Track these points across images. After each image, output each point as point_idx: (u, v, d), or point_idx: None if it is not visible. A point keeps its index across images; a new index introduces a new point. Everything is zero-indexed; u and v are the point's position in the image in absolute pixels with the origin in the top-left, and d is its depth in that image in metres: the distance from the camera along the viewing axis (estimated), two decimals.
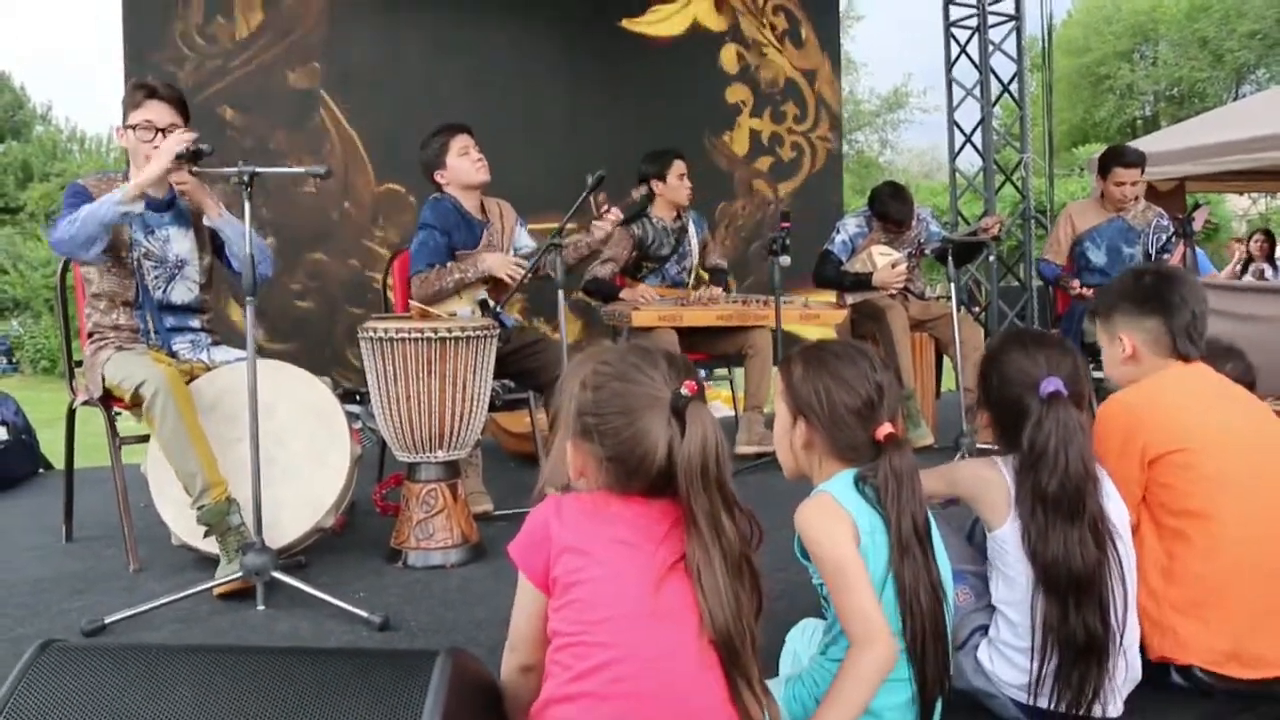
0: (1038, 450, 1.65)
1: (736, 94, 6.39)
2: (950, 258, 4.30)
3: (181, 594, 2.46)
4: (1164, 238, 4.75)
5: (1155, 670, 1.82)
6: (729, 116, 6.37)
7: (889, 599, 1.48)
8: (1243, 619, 1.80)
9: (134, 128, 2.93)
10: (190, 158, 2.73)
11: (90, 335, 3.07)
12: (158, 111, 2.93)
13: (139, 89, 2.95)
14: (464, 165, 3.63)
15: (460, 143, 3.63)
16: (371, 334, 2.87)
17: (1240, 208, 21.26)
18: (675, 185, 4.46)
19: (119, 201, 2.77)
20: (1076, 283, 4.78)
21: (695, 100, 6.21)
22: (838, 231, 4.86)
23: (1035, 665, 1.65)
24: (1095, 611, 1.61)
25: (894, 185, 4.84)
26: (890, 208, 4.69)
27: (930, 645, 1.48)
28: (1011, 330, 2.22)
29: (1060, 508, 1.63)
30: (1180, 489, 1.84)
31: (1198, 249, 9.77)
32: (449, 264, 3.58)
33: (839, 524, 1.49)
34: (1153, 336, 2.00)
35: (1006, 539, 1.70)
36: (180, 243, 3.07)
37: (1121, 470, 1.85)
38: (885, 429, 1.55)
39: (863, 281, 4.67)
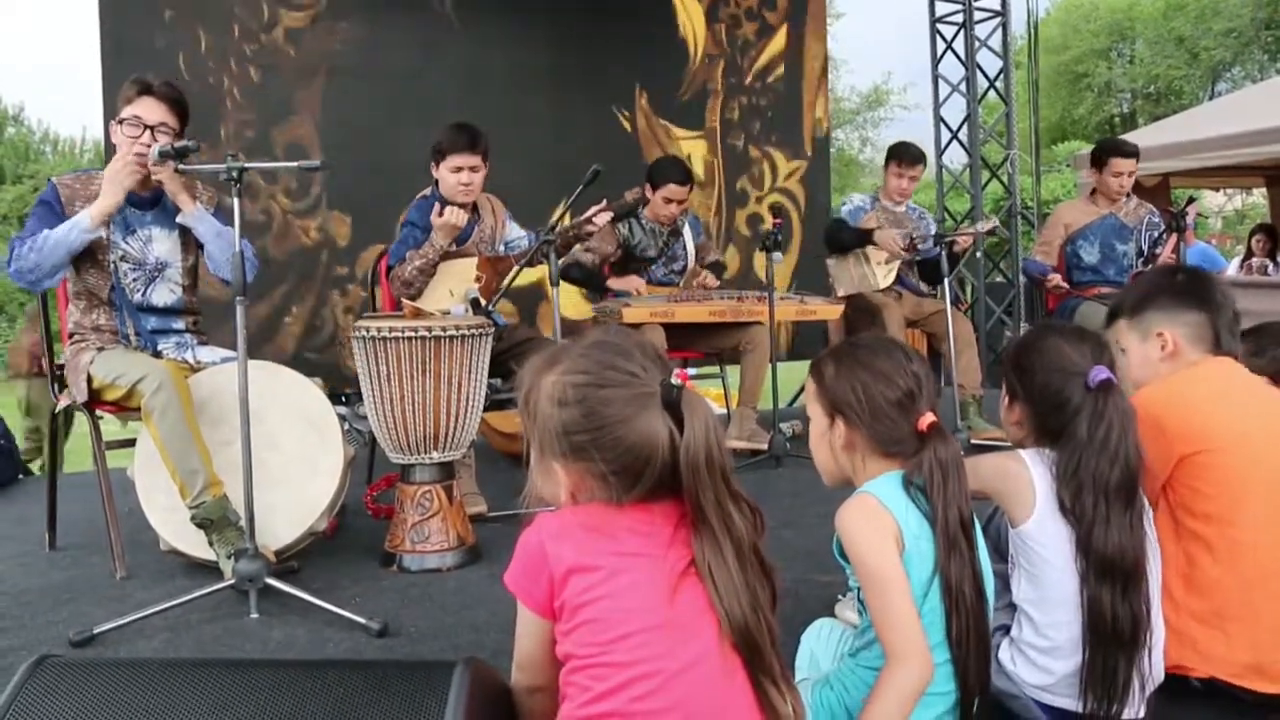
0: (1099, 441, 1.61)
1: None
2: (944, 256, 4.35)
3: (172, 602, 2.39)
4: (1155, 234, 4.75)
5: (1169, 678, 1.76)
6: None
7: (934, 603, 1.44)
8: (1265, 630, 1.74)
9: (123, 122, 2.85)
10: (176, 155, 2.66)
11: (71, 336, 3.00)
12: (148, 108, 2.85)
13: (134, 84, 2.87)
14: (450, 182, 3.54)
15: (457, 161, 3.51)
16: (364, 333, 2.80)
17: (1215, 204, 21.44)
18: (658, 203, 4.40)
19: (86, 229, 2.76)
20: (1056, 277, 4.78)
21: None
22: (845, 202, 5.08)
23: (1083, 668, 1.61)
24: (1141, 599, 1.59)
25: (911, 143, 4.99)
26: (904, 147, 4.86)
27: (974, 643, 1.44)
28: (1040, 325, 2.16)
29: (1120, 496, 1.60)
30: (1203, 491, 1.78)
31: (1209, 244, 9.84)
32: (408, 253, 3.50)
33: (881, 527, 1.44)
34: (1196, 331, 1.93)
35: (1031, 534, 1.66)
36: (162, 244, 2.99)
37: (1147, 467, 1.80)
38: (928, 418, 1.50)
39: (864, 236, 4.76)
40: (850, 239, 4.79)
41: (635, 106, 5.92)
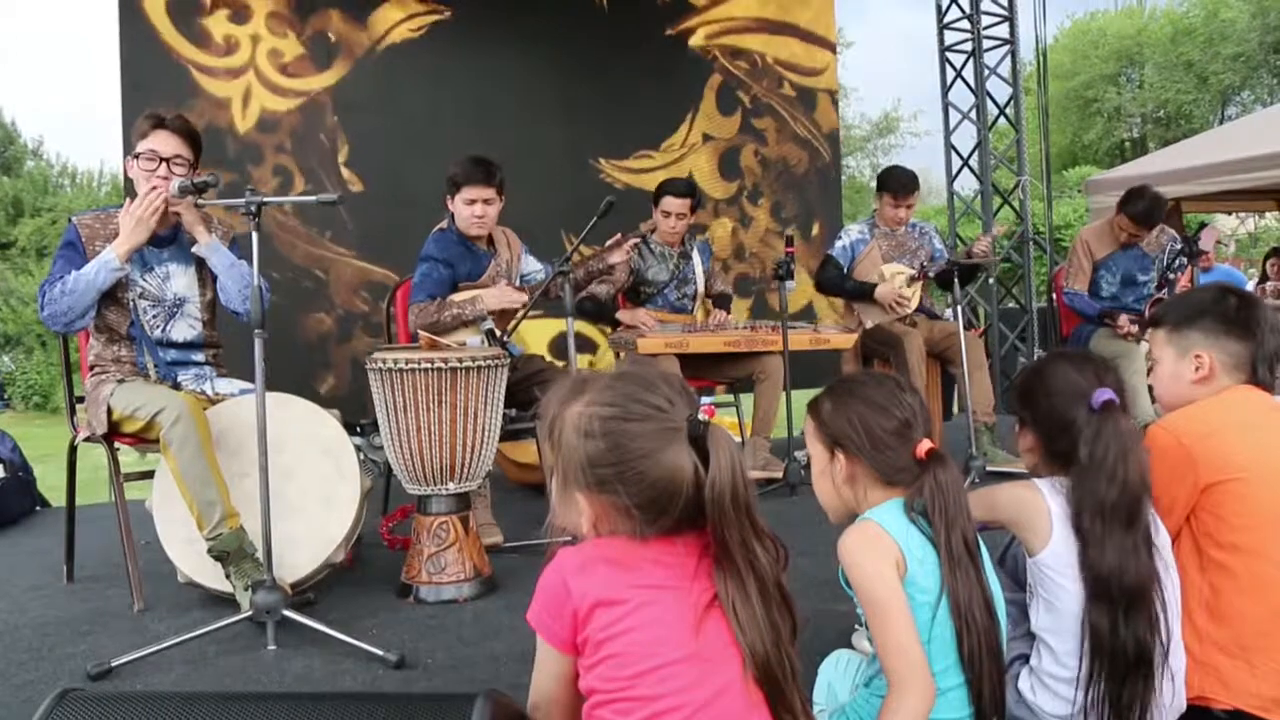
0: (1097, 461, 1.61)
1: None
2: (956, 279, 4.34)
3: (189, 635, 2.40)
4: (1172, 259, 4.73)
5: (1192, 710, 1.73)
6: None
7: (943, 627, 1.44)
8: None
9: (139, 156, 2.89)
10: (196, 190, 2.69)
11: (92, 368, 3.03)
12: (163, 142, 2.89)
13: (148, 119, 2.92)
14: (464, 213, 3.59)
15: (471, 193, 3.55)
16: (380, 365, 2.82)
17: (1229, 227, 21.37)
18: (659, 221, 4.46)
19: (115, 268, 2.81)
20: (1125, 319, 4.64)
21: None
22: (840, 237, 4.93)
23: (1081, 691, 1.60)
24: (1146, 624, 1.58)
25: (901, 168, 4.92)
26: (895, 181, 4.76)
27: (987, 664, 1.44)
28: (1049, 353, 2.15)
29: (1119, 516, 1.59)
30: (1228, 520, 1.76)
31: (1232, 266, 9.79)
32: (449, 298, 3.54)
33: (882, 553, 1.45)
34: (1235, 360, 1.89)
35: (1048, 563, 1.65)
36: (179, 279, 3.03)
37: (1171, 494, 1.78)
38: (925, 445, 1.53)
39: (865, 291, 4.70)
40: (851, 290, 4.77)
41: (599, 169, 5.90)
